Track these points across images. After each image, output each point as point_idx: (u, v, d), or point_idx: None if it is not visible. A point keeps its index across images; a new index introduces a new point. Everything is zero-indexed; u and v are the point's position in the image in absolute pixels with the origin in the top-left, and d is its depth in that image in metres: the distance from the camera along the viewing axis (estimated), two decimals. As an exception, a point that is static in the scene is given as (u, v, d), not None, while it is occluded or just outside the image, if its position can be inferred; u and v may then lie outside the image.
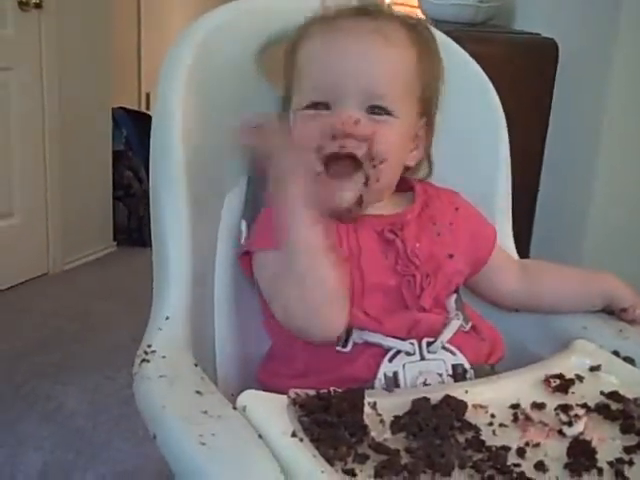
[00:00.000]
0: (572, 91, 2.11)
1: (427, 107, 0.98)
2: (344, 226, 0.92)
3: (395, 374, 0.87)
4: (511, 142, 1.14)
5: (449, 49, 1.08)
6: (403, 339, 0.88)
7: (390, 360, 0.87)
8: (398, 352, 0.88)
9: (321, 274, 0.83)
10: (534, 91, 2.13)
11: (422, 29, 0.98)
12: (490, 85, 1.12)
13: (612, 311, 1.02)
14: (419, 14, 2.27)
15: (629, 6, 1.94)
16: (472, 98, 1.03)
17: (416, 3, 2.39)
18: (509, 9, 2.34)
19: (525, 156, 2.10)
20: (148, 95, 4.22)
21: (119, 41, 2.92)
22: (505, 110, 1.13)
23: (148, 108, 4.14)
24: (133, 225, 3.31)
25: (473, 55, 1.13)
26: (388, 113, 0.92)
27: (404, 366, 0.87)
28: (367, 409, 0.76)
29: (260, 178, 1.01)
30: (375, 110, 0.91)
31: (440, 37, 1.04)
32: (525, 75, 2.09)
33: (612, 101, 2.01)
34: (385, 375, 0.86)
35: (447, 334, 0.90)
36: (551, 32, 2.14)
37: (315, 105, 0.92)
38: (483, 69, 1.13)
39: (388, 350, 0.88)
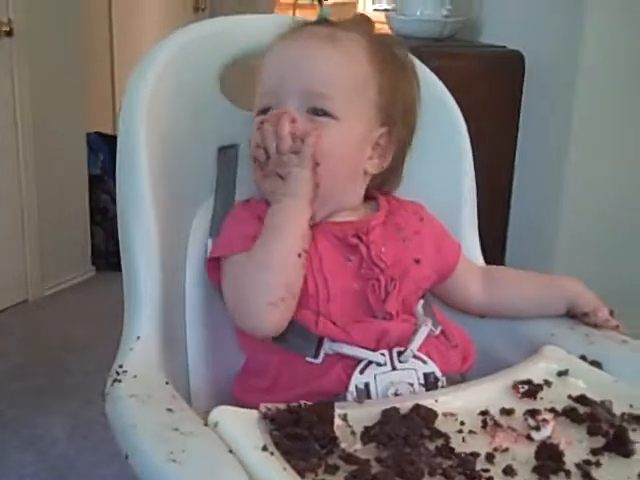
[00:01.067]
0: (539, 102, 2.14)
1: (387, 114, 0.97)
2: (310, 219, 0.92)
3: (367, 385, 0.87)
4: (481, 155, 1.16)
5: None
6: (374, 350, 0.89)
7: (361, 372, 0.87)
8: (369, 363, 0.88)
9: (289, 276, 0.87)
10: (502, 103, 2.16)
11: (390, 44, 0.99)
12: (452, 100, 1.14)
13: (575, 315, 1.04)
14: (387, 30, 2.30)
15: (592, 16, 1.98)
16: (432, 111, 1.04)
17: (384, 20, 2.41)
18: (475, 23, 2.38)
19: (496, 166, 2.13)
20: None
21: (92, 66, 2.92)
22: (473, 123, 1.15)
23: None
24: (111, 249, 3.29)
25: (441, 70, 1.14)
26: (329, 115, 0.92)
27: (375, 377, 0.87)
28: (338, 421, 0.77)
29: (227, 197, 1.02)
30: (315, 111, 0.92)
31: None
32: (493, 87, 2.12)
33: (579, 110, 2.04)
34: (357, 387, 0.87)
35: (417, 341, 0.90)
36: (517, 44, 2.18)
37: (263, 111, 0.94)
38: (451, 83, 1.14)
39: (359, 361, 0.88)
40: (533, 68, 2.14)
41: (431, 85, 1.11)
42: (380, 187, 1.03)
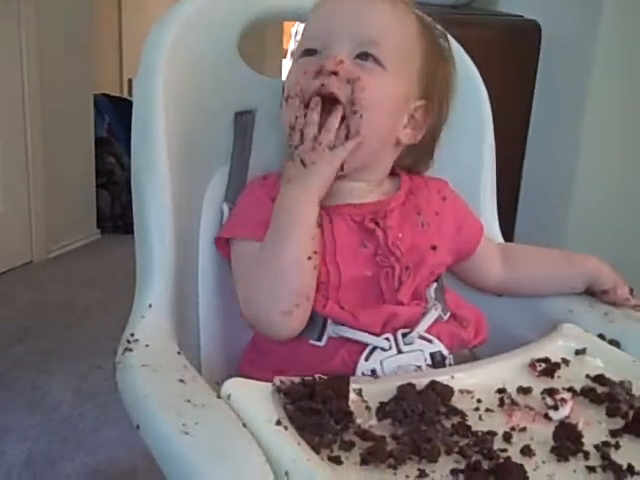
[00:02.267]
0: (555, 73, 2.11)
1: (426, 90, 0.95)
2: (324, 218, 0.90)
3: (373, 372, 0.86)
4: (494, 125, 1.13)
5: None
6: (377, 334, 0.87)
7: (366, 359, 0.86)
8: (374, 349, 0.87)
9: (300, 282, 0.85)
10: (517, 73, 2.13)
11: (432, 29, 0.97)
12: (477, 73, 1.11)
13: (594, 292, 1.02)
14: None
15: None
16: (459, 86, 1.01)
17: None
18: (492, -9, 2.34)
19: (508, 138, 2.10)
20: (130, 81, 4.19)
21: (100, 28, 2.89)
22: (489, 91, 1.13)
23: (130, 94, 4.11)
24: (116, 212, 3.28)
25: (455, 38, 1.12)
26: (376, 62, 0.89)
27: (381, 363, 0.86)
28: (352, 396, 0.76)
29: (242, 163, 1.00)
30: (364, 57, 0.89)
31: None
32: (508, 57, 2.08)
33: (595, 82, 2.02)
34: (363, 374, 0.85)
35: (424, 324, 0.89)
36: (534, 14, 2.14)
37: (308, 52, 0.91)
38: (467, 51, 1.12)
39: (364, 346, 0.86)
40: (550, 39, 2.11)
41: (460, 62, 1.08)
42: (410, 169, 1.01)
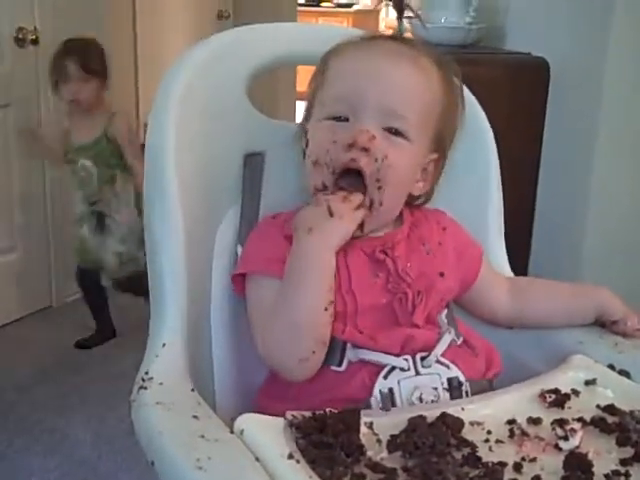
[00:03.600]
0: (565, 108, 2.13)
1: (441, 144, 0.98)
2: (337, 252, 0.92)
3: (391, 390, 0.87)
4: (506, 161, 1.15)
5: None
6: (397, 355, 0.89)
7: (385, 377, 0.88)
8: (393, 368, 0.88)
9: (318, 332, 0.86)
10: (527, 110, 2.15)
11: (449, 67, 0.99)
12: (479, 109, 1.13)
13: (603, 323, 1.03)
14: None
15: (618, 23, 1.97)
16: (463, 125, 1.03)
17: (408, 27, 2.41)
18: (499, 30, 2.37)
19: (521, 173, 2.11)
20: (146, 126, 4.24)
21: (115, 75, 2.94)
22: (498, 130, 1.14)
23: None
24: (135, 255, 3.31)
25: (464, 77, 1.14)
26: (404, 136, 0.92)
27: (399, 382, 0.87)
28: (364, 429, 0.77)
29: (253, 204, 1.03)
30: (392, 131, 0.92)
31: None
32: (517, 94, 2.11)
33: (604, 116, 2.03)
34: (380, 392, 0.87)
35: (440, 348, 0.91)
36: (542, 51, 2.16)
37: (335, 117, 0.93)
38: (475, 91, 1.13)
39: (383, 367, 0.88)
40: (558, 75, 2.13)
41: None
42: (410, 203, 1.02)
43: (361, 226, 0.92)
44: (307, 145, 0.95)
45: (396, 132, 0.92)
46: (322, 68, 0.97)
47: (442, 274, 0.96)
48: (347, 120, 0.92)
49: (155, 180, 0.94)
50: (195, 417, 0.75)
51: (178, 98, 0.96)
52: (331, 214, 0.88)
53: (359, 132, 0.90)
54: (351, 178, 0.91)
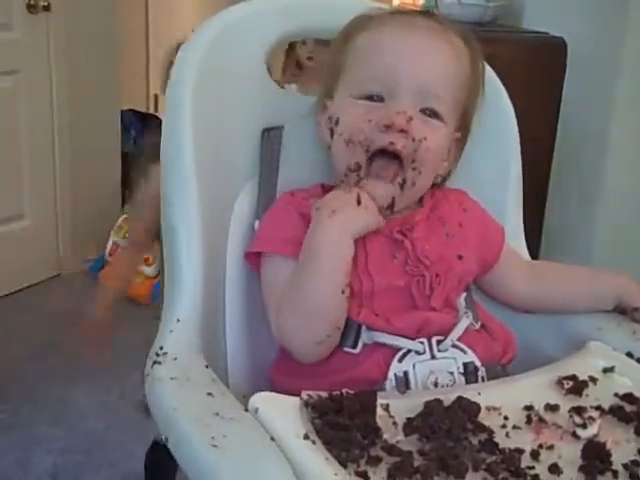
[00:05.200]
0: (581, 89, 2.10)
1: (465, 122, 0.98)
2: None
3: (405, 374, 0.86)
4: (521, 141, 1.13)
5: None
6: (412, 338, 0.88)
7: (400, 360, 0.87)
8: (408, 352, 0.87)
9: (334, 316, 0.86)
10: (544, 90, 2.12)
11: (475, 43, 0.97)
12: (504, 92, 1.11)
13: (623, 310, 1.01)
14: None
15: (637, 4, 1.94)
16: (486, 103, 1.02)
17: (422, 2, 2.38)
18: (517, 8, 2.34)
19: (535, 154, 2.09)
20: (156, 96, 4.23)
21: (127, 43, 2.92)
22: (515, 109, 1.13)
23: (157, 110, 4.14)
24: (142, 226, 3.30)
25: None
26: (439, 118, 0.92)
27: (414, 365, 0.87)
28: (379, 411, 0.76)
29: (271, 179, 1.01)
30: (427, 112, 0.91)
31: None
32: (534, 74, 2.08)
33: (621, 99, 2.01)
34: (395, 375, 0.86)
35: (457, 332, 0.89)
36: (559, 31, 2.14)
37: (369, 96, 0.91)
38: (492, 69, 1.12)
39: (398, 350, 0.87)
40: (576, 56, 2.11)
41: (487, 80, 1.08)
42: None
43: (391, 207, 0.91)
44: (337, 123, 0.93)
45: (431, 113, 0.91)
46: (345, 42, 0.95)
47: (461, 257, 0.95)
48: (382, 99, 0.90)
49: (172, 153, 0.93)
50: (210, 394, 0.74)
51: (195, 70, 0.94)
52: (359, 201, 0.87)
53: (396, 114, 0.88)
54: (384, 158, 0.90)
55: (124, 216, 2.93)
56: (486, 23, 2.27)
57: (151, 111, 4.08)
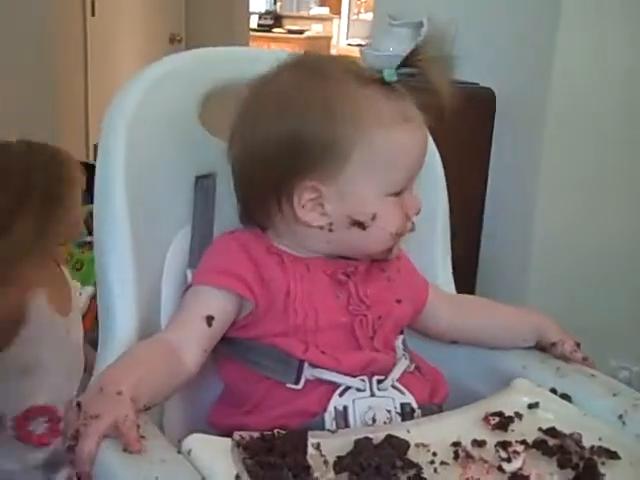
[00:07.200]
0: (509, 141, 2.16)
1: None
2: (299, 268, 0.94)
3: (345, 408, 0.88)
4: (452, 190, 1.18)
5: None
6: (354, 376, 0.90)
7: (340, 395, 0.89)
8: (348, 388, 0.90)
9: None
10: (473, 140, 2.18)
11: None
12: (434, 147, 1.16)
13: (543, 347, 1.06)
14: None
15: (561, 54, 2.02)
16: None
17: (358, 55, 2.44)
18: (447, 59, 2.40)
19: (466, 203, 2.14)
20: (96, 147, 4.21)
21: (65, 95, 2.91)
22: (444, 159, 1.17)
23: (96, 159, 4.11)
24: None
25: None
26: None
27: (354, 401, 0.89)
28: (311, 450, 0.77)
29: (206, 226, 1.03)
30: None
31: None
32: (463, 124, 2.13)
33: (548, 149, 2.07)
34: (335, 409, 0.88)
35: (396, 373, 0.93)
36: (489, 82, 2.20)
37: (396, 194, 0.94)
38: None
39: (339, 385, 0.90)
40: (503, 106, 2.17)
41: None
42: None
43: (389, 251, 0.97)
44: (373, 218, 0.93)
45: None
46: (354, 129, 0.90)
47: (399, 301, 0.99)
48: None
49: (104, 200, 0.94)
50: (142, 437, 0.75)
51: (129, 117, 0.96)
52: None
53: (419, 202, 0.96)
54: None
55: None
56: (417, 74, 2.33)
57: (91, 161, 4.06)
